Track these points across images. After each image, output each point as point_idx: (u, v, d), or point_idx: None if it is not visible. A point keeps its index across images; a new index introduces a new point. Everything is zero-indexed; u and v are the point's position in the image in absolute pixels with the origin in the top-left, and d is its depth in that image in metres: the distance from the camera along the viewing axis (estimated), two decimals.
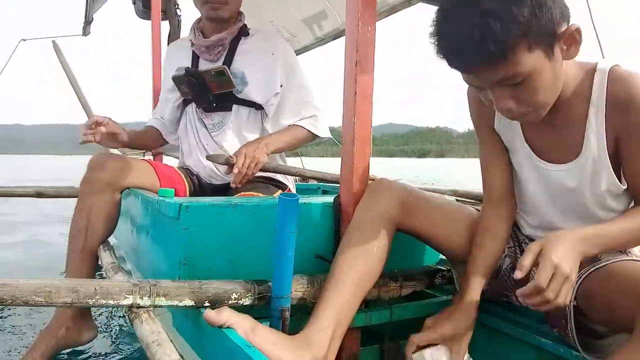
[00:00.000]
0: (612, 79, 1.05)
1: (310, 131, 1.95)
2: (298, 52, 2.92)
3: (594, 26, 1.95)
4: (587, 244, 1.02)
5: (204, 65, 1.91)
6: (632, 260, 1.08)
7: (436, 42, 0.99)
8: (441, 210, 1.29)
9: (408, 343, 1.18)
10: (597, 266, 1.07)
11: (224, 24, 1.91)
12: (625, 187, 1.11)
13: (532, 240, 1.30)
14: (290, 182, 2.05)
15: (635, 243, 1.12)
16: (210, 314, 1.00)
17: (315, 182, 3.32)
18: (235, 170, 1.70)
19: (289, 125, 1.94)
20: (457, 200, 2.43)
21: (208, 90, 1.82)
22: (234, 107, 1.89)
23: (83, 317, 1.63)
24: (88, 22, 2.85)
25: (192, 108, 1.96)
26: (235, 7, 1.89)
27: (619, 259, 1.08)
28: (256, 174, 1.87)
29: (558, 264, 0.95)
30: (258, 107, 1.92)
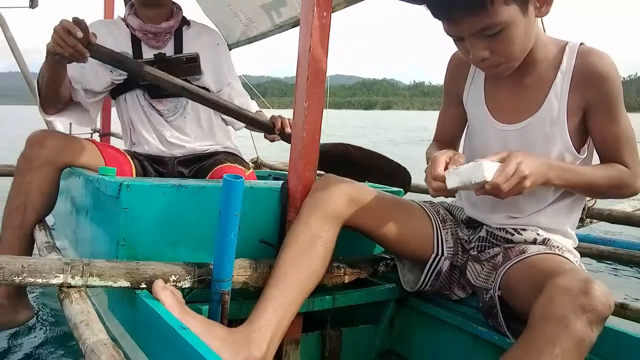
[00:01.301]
0: (582, 52, 1.15)
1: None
2: (255, 38, 2.88)
3: None
4: (554, 171, 1.09)
5: (147, 50, 1.87)
6: (551, 253, 1.14)
7: None
8: (387, 208, 1.31)
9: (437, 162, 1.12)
10: (520, 258, 1.12)
11: (161, 9, 1.88)
12: (582, 156, 1.19)
13: (472, 226, 1.34)
14: (249, 166, 2.05)
15: (593, 192, 1.22)
16: (157, 286, 0.99)
17: (267, 170, 3.30)
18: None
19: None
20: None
21: (175, 75, 1.70)
22: None
23: (18, 296, 1.57)
24: None
25: (137, 93, 1.88)
26: None
27: (541, 252, 1.13)
28: (221, 149, 1.94)
29: (520, 163, 1.02)
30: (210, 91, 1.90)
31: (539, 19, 1.17)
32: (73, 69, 1.72)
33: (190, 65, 1.78)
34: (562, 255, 1.13)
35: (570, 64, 1.16)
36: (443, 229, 1.34)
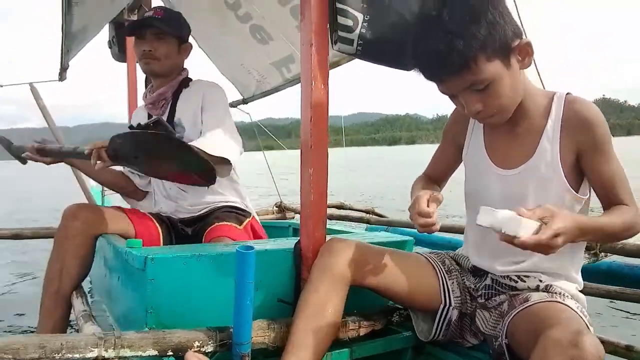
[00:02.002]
0: (569, 100, 1.24)
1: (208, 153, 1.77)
2: (269, 92, 3.03)
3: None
4: (582, 231, 1.12)
5: None
6: (552, 301, 1.18)
7: (413, 62, 1.20)
8: (392, 265, 1.37)
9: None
10: (524, 307, 1.17)
11: (166, 78, 2.01)
12: (583, 197, 1.25)
13: (478, 275, 1.40)
14: (251, 209, 2.12)
15: (610, 239, 1.31)
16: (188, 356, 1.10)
17: (290, 220, 3.41)
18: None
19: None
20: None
21: None
22: None
23: None
24: (64, 68, 2.94)
25: None
26: (170, 62, 1.99)
27: (542, 300, 1.18)
28: (218, 205, 2.01)
29: (558, 234, 1.04)
30: None
31: (524, 71, 1.25)
32: None
33: (159, 129, 1.73)
34: (562, 303, 1.17)
35: (559, 111, 1.24)
36: (449, 279, 1.40)
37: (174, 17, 2.06)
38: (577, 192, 1.25)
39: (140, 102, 2.20)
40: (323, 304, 1.26)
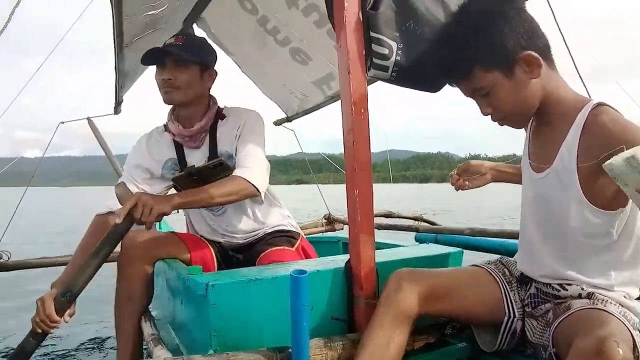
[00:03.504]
0: (597, 110, 1.21)
1: (246, 179, 1.81)
2: (311, 109, 3.12)
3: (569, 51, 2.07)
4: None
5: (189, 153, 2.01)
6: (593, 308, 1.18)
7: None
8: (456, 289, 1.39)
9: None
10: (565, 315, 1.18)
11: (192, 108, 1.97)
12: (605, 211, 1.21)
13: (524, 283, 1.42)
14: (297, 228, 2.16)
15: None
16: None
17: (338, 233, 3.47)
18: (137, 215, 1.62)
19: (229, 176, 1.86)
20: (474, 236, 2.54)
21: (207, 181, 1.85)
22: None
23: None
24: (118, 102, 3.13)
25: None
26: (193, 91, 1.94)
27: (583, 307, 1.19)
28: (267, 230, 2.05)
29: None
30: None
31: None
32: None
33: (219, 169, 1.86)
34: (603, 309, 1.16)
35: (582, 119, 1.22)
36: (510, 291, 1.41)
37: (197, 43, 2.01)
38: (595, 204, 1.21)
39: None
40: (388, 341, 1.28)
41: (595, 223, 1.23)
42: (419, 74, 1.40)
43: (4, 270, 3.25)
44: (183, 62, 1.90)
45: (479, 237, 2.53)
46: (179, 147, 2.03)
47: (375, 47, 1.38)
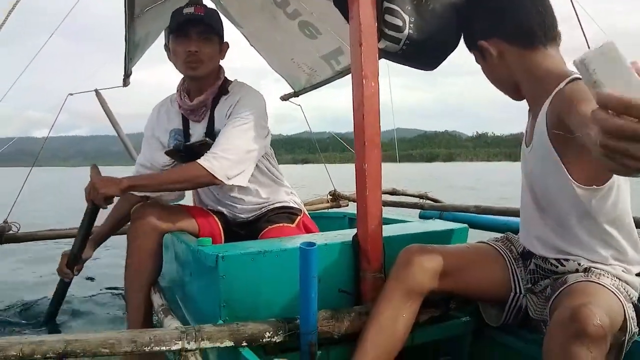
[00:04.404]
0: (569, 82, 1.20)
1: (204, 167, 1.80)
2: (319, 84, 3.10)
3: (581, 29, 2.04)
4: None
5: (192, 125, 2.02)
6: (586, 281, 1.20)
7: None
8: (465, 265, 1.41)
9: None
10: (561, 289, 1.20)
11: (204, 81, 1.97)
12: (578, 186, 1.21)
13: (524, 258, 1.43)
14: (300, 205, 2.18)
15: None
16: None
17: (343, 209, 3.48)
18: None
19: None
20: (479, 214, 2.55)
21: (196, 158, 1.86)
22: None
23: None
24: (127, 75, 3.12)
25: None
26: (212, 64, 1.95)
27: (578, 280, 1.20)
28: (269, 207, 2.07)
29: None
30: None
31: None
32: (145, 158, 2.10)
33: (204, 148, 1.87)
34: (596, 282, 1.17)
35: (554, 92, 1.23)
36: (517, 267, 1.43)
37: (215, 15, 1.98)
38: (579, 178, 1.21)
39: None
40: (396, 315, 1.31)
41: (581, 196, 1.23)
42: (428, 49, 1.39)
43: (14, 241, 3.30)
44: (208, 34, 1.90)
45: (485, 215, 2.54)
46: (185, 118, 2.04)
47: (388, 18, 1.37)
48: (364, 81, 1.41)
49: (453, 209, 2.88)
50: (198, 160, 1.81)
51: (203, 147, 1.88)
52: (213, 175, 1.80)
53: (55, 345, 1.09)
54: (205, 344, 1.20)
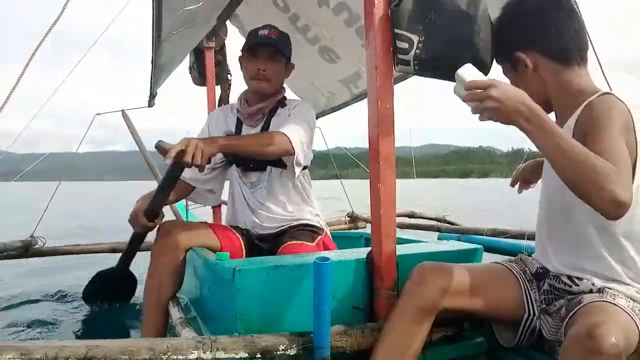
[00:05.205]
0: (596, 97, 1.27)
1: (286, 135, 1.91)
2: (338, 107, 3.16)
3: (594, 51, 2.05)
4: (531, 113, 1.15)
5: (245, 130, 2.17)
6: (602, 301, 1.19)
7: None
8: (478, 285, 1.41)
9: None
10: (576, 309, 1.20)
11: (267, 96, 2.14)
12: None
13: (538, 279, 1.44)
14: (324, 225, 2.23)
15: (564, 167, 1.14)
16: None
17: (361, 230, 3.50)
18: (188, 158, 1.69)
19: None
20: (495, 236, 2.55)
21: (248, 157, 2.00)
22: (268, 167, 2.12)
23: None
24: (153, 96, 3.24)
25: (234, 168, 2.21)
26: (277, 83, 2.13)
27: (593, 300, 1.20)
28: (293, 224, 2.12)
29: (491, 84, 1.16)
30: (284, 166, 2.12)
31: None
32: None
33: None
34: (612, 302, 1.17)
35: (584, 105, 1.27)
36: (531, 289, 1.43)
37: (285, 37, 2.16)
38: None
39: None
40: (408, 332, 1.33)
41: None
42: (440, 65, 1.42)
43: (39, 255, 3.40)
44: (276, 55, 2.06)
45: (501, 239, 2.54)
46: (239, 123, 2.19)
47: (398, 43, 1.42)
48: (378, 103, 1.46)
49: (470, 232, 2.89)
50: (280, 129, 1.94)
51: None
52: (291, 143, 1.91)
53: (77, 351, 1.14)
54: (221, 355, 1.23)
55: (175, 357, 1.20)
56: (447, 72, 1.43)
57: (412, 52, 1.40)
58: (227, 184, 2.33)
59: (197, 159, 1.69)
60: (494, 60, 1.47)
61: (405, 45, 1.40)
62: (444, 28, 1.38)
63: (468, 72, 1.23)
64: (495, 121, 1.17)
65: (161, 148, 1.76)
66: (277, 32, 2.12)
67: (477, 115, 1.20)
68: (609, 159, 1.10)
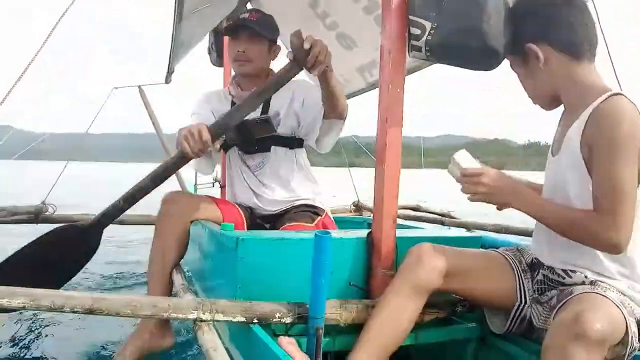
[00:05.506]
0: (608, 98, 1.25)
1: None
2: (352, 95, 3.19)
3: (608, 51, 2.05)
4: (517, 197, 1.34)
5: None
6: (591, 292, 1.22)
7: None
8: (474, 270, 1.45)
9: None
10: (567, 299, 1.23)
11: (255, 78, 2.15)
12: None
13: (532, 269, 1.47)
14: (326, 208, 2.26)
15: (556, 230, 1.32)
16: (283, 340, 1.21)
17: (366, 216, 3.54)
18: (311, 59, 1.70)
19: None
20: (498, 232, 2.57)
21: (252, 136, 2.02)
22: (272, 148, 2.17)
23: (163, 326, 1.94)
24: (170, 72, 3.28)
25: (234, 151, 2.24)
26: (259, 64, 2.13)
27: (584, 291, 1.23)
28: (295, 204, 2.15)
29: (481, 173, 1.33)
30: (291, 146, 2.19)
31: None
32: None
33: (264, 126, 2.00)
34: (602, 294, 1.19)
35: (593, 106, 1.27)
36: (525, 279, 1.47)
37: (268, 20, 2.18)
38: None
39: None
40: (401, 308, 1.36)
41: None
42: (450, 51, 1.44)
43: (48, 222, 3.47)
44: (256, 37, 2.08)
45: (504, 237, 2.56)
46: (233, 106, 2.14)
47: (411, 29, 1.44)
48: (389, 86, 1.49)
49: (475, 227, 2.91)
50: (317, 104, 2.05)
51: (263, 123, 2.00)
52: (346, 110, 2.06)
53: (83, 301, 1.20)
54: (219, 317, 1.29)
55: (175, 315, 1.25)
56: (456, 58, 1.46)
57: (424, 38, 1.42)
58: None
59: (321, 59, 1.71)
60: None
61: (418, 32, 1.43)
62: (455, 15, 1.39)
63: (463, 157, 1.38)
64: (487, 203, 1.36)
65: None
66: (259, 14, 2.16)
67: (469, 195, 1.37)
68: (612, 191, 1.20)
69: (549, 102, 1.45)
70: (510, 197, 1.33)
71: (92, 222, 1.99)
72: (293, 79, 2.03)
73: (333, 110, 2.02)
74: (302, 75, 1.95)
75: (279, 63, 2.14)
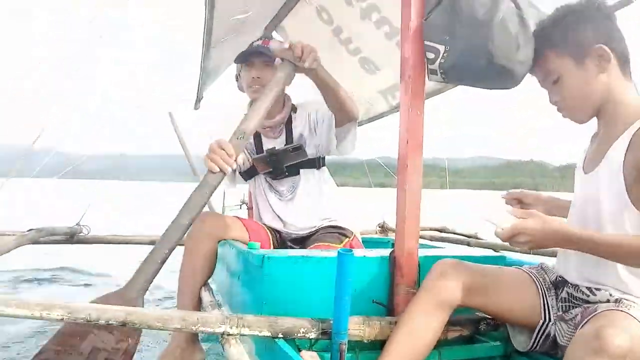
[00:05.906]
0: None
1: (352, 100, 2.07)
2: (375, 118, 3.25)
3: None
4: (565, 240, 1.26)
5: (266, 142, 2.27)
6: (615, 310, 1.22)
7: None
8: (498, 286, 1.46)
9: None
10: (591, 316, 1.23)
11: (275, 105, 2.12)
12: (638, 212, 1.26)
13: (557, 287, 1.47)
14: (354, 230, 2.29)
15: (615, 259, 1.27)
16: (306, 355, 1.26)
17: (391, 236, 3.55)
18: (298, 52, 1.81)
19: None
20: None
21: (282, 163, 2.12)
22: (301, 171, 2.22)
23: (193, 342, 1.99)
24: (199, 99, 3.41)
25: (259, 178, 2.30)
26: None
27: (608, 309, 1.23)
28: (325, 224, 2.20)
29: (516, 232, 1.26)
30: (317, 166, 2.25)
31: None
32: None
33: (296, 152, 2.12)
34: (626, 312, 1.19)
35: (635, 127, 1.27)
36: (549, 296, 1.47)
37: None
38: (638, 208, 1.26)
39: None
40: (425, 324, 1.38)
41: (633, 226, 1.27)
42: (461, 72, 1.48)
43: (83, 242, 3.60)
44: (270, 63, 2.14)
45: (529, 257, 2.55)
46: (257, 136, 2.27)
47: (427, 54, 1.50)
48: (410, 110, 1.54)
49: (501, 248, 2.90)
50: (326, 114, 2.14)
51: (295, 151, 2.11)
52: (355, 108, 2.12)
53: (117, 315, 1.26)
54: (246, 331, 1.33)
55: (203, 328, 1.30)
56: (470, 79, 1.51)
57: (438, 62, 1.48)
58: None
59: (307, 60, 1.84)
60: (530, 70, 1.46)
61: (432, 56, 1.48)
62: (464, 37, 1.43)
63: (496, 220, 1.33)
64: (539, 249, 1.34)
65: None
66: (272, 41, 2.23)
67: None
68: None
69: (590, 112, 1.40)
70: (552, 242, 1.28)
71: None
72: (304, 103, 2.20)
73: (340, 111, 2.07)
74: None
75: (295, 89, 2.24)
